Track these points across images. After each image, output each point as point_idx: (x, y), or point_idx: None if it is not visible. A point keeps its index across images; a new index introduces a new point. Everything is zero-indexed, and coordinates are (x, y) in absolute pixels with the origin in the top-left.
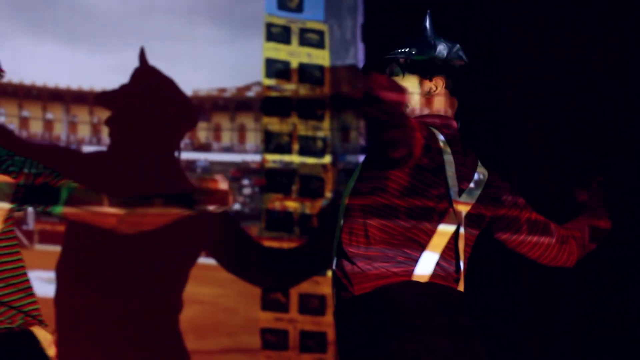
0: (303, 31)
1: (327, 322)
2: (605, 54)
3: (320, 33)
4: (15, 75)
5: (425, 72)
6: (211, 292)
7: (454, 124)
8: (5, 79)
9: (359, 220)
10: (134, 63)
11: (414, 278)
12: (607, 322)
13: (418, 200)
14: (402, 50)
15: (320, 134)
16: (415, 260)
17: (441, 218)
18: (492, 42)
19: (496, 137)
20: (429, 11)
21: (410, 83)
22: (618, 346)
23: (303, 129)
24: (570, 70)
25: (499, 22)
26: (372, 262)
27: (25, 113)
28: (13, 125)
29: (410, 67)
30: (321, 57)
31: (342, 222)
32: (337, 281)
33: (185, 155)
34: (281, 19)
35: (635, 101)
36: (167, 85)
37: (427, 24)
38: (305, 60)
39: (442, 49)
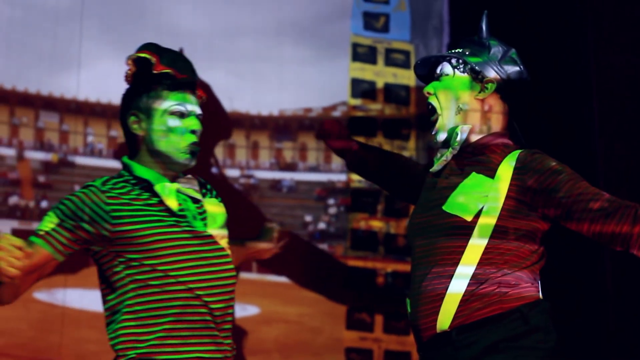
0: (389, 51)
1: (412, 342)
2: None
3: (406, 53)
4: (104, 95)
5: (477, 73)
6: (297, 312)
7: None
8: (94, 99)
9: (490, 242)
10: (222, 84)
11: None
12: None
13: (527, 221)
14: (456, 50)
15: (406, 153)
16: (538, 281)
17: (541, 239)
18: (579, 49)
19: (583, 146)
20: (486, 12)
21: (461, 83)
22: None
23: (388, 149)
24: None
25: (585, 31)
26: (507, 285)
27: (113, 132)
28: (102, 144)
29: (462, 67)
30: (407, 77)
31: (452, 241)
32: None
33: (271, 175)
34: (367, 39)
35: None
36: (202, 90)
37: (483, 25)
38: (391, 80)
39: (496, 51)
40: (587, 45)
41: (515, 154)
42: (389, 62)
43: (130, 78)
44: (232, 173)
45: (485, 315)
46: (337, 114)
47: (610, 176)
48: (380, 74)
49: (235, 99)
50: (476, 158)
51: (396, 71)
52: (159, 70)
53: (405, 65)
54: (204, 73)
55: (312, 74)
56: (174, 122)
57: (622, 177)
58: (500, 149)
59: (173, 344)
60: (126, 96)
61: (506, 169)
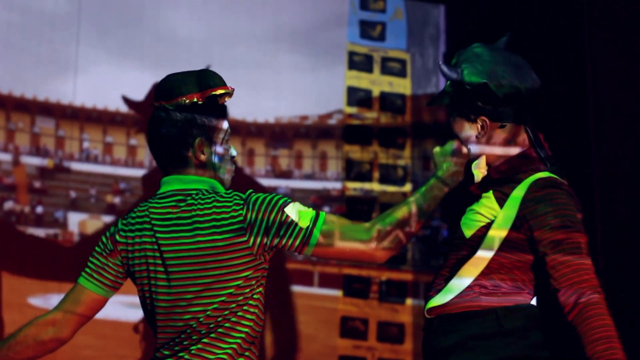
0: (385, 60)
1: (405, 350)
2: None
3: (402, 62)
4: (100, 101)
5: (466, 115)
6: (291, 319)
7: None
8: (90, 105)
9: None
10: None
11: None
12: None
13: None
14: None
15: (401, 162)
16: (523, 290)
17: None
18: (575, 49)
19: (578, 161)
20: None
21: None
22: None
23: (384, 157)
24: None
25: (582, 44)
26: (485, 287)
27: (109, 139)
28: (97, 150)
29: (454, 111)
30: (403, 86)
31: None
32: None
33: (267, 182)
34: (363, 47)
35: None
36: None
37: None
38: (387, 88)
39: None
40: (582, 46)
41: (529, 181)
42: (385, 70)
43: (192, 105)
44: None
45: (463, 310)
46: (332, 121)
47: (604, 176)
48: (376, 83)
49: (231, 105)
50: (499, 179)
51: (392, 80)
52: (225, 101)
53: (401, 73)
54: None
55: (308, 81)
56: (229, 147)
57: (616, 176)
58: (524, 171)
59: None
60: (182, 121)
61: (517, 195)
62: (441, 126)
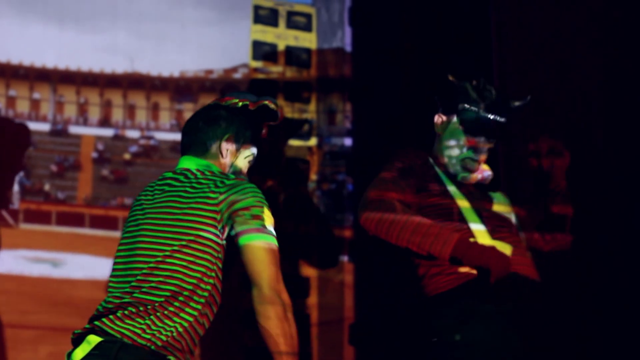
0: (290, 14)
1: (310, 304)
2: (600, 58)
3: (308, 16)
4: (3, 54)
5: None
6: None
7: None
8: None
9: None
10: (123, 44)
11: None
12: None
13: None
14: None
15: (307, 116)
16: None
17: None
18: (482, 46)
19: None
20: None
21: None
22: None
23: (289, 111)
24: (563, 75)
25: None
26: None
27: (12, 92)
28: (0, 104)
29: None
30: (308, 40)
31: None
32: None
33: (172, 136)
34: (269, 1)
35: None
36: None
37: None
38: (292, 43)
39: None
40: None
41: None
42: (291, 24)
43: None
44: (132, 134)
45: None
46: (238, 76)
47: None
48: (282, 37)
49: (136, 59)
50: None
51: (298, 34)
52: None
53: (306, 28)
54: (105, 33)
55: (213, 35)
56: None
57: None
58: None
59: None
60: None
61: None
62: (347, 81)
